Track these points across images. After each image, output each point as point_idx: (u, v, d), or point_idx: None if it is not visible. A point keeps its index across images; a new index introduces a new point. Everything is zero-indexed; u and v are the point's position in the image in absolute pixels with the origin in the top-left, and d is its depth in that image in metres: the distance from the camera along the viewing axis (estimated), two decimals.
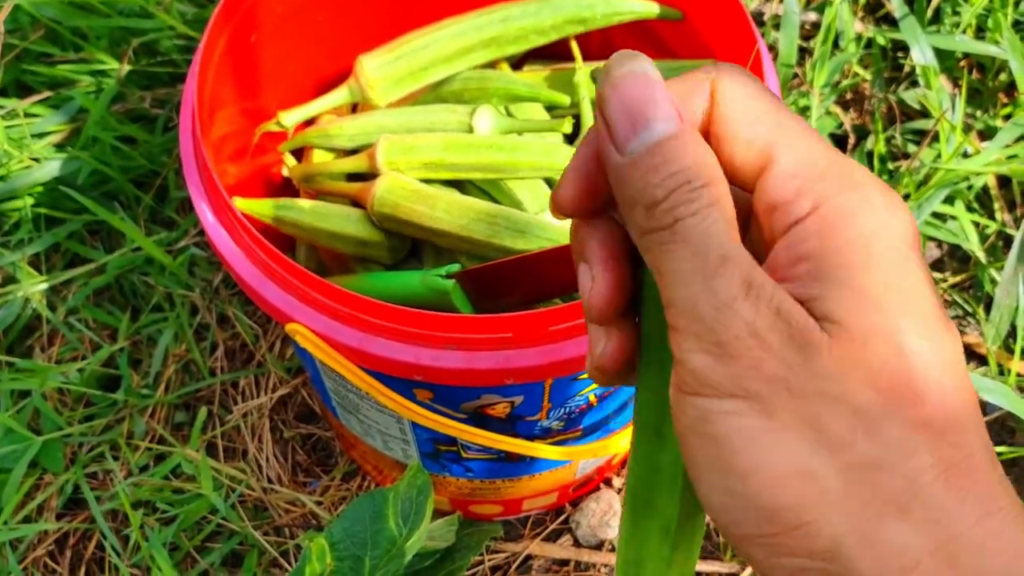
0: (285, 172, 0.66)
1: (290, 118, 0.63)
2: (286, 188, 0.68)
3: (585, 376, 0.54)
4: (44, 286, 0.81)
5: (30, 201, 0.82)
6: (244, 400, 0.79)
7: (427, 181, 0.60)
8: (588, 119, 0.63)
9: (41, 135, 0.83)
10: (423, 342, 0.47)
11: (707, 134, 0.28)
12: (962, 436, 0.25)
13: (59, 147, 0.83)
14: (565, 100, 0.61)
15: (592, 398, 0.58)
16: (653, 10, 0.64)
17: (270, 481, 0.75)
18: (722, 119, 0.28)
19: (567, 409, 0.58)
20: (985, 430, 0.26)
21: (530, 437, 0.60)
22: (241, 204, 0.55)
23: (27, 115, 0.84)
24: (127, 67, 0.83)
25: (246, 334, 0.81)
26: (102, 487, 0.75)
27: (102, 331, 0.82)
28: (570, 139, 0.65)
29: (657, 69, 0.28)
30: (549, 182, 0.61)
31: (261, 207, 0.56)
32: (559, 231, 0.55)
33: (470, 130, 0.61)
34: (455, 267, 0.54)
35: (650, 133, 0.26)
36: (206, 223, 0.51)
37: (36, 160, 0.82)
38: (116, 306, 0.83)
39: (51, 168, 0.81)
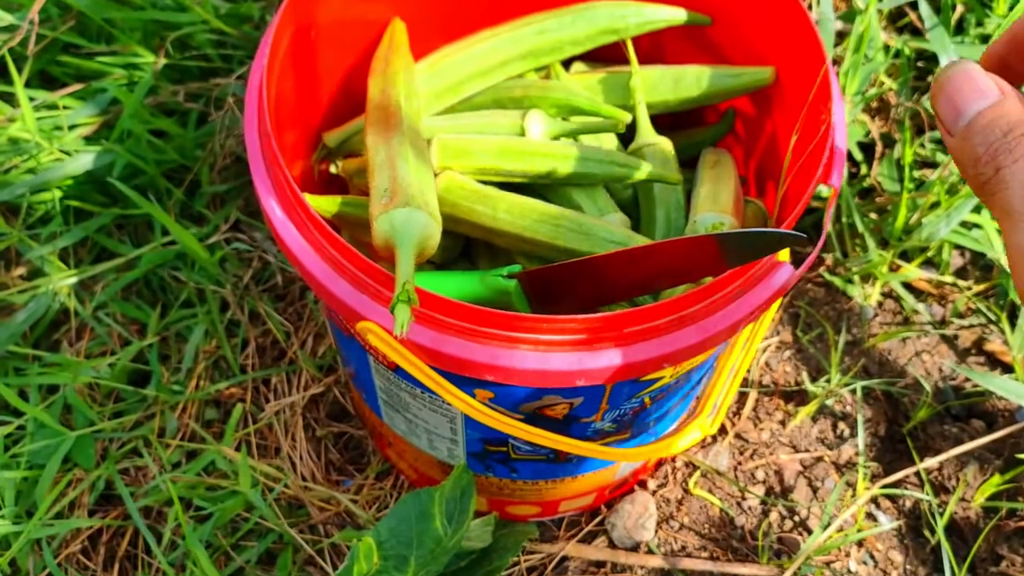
0: (334, 169, 0.66)
1: (334, 139, 0.64)
2: (330, 186, 0.68)
3: (646, 378, 0.54)
4: (73, 280, 0.81)
5: (59, 194, 0.82)
6: (276, 398, 0.79)
7: (482, 183, 0.60)
8: (644, 122, 0.63)
9: (71, 127, 0.82)
10: (497, 341, 0.47)
11: None
12: None
13: (89, 140, 0.83)
14: (626, 117, 0.61)
15: (647, 400, 0.58)
16: (681, 17, 0.65)
17: (304, 479, 0.75)
18: None
19: (622, 411, 0.58)
20: None
21: (582, 438, 0.60)
22: (312, 201, 0.55)
23: (56, 107, 0.83)
24: (162, 60, 0.82)
25: (277, 331, 0.80)
26: (134, 483, 0.74)
27: (131, 326, 0.81)
28: (624, 140, 0.65)
29: (975, 65, 0.35)
30: (607, 185, 0.61)
31: (329, 204, 0.56)
32: (624, 235, 0.56)
33: (522, 133, 0.62)
34: (517, 268, 0.54)
35: (967, 113, 0.34)
36: (274, 218, 0.50)
37: (66, 153, 0.81)
38: (145, 301, 0.82)
39: (83, 161, 0.80)
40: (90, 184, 0.82)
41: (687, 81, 0.63)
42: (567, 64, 0.69)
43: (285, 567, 0.71)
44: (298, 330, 0.81)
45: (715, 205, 0.57)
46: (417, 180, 0.52)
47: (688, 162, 0.66)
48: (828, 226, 0.52)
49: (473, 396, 0.54)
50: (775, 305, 0.53)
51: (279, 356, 0.81)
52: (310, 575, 0.71)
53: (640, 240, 0.55)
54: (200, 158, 0.84)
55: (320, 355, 0.80)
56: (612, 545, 0.74)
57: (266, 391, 0.79)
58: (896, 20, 1.00)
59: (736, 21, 0.62)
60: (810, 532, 0.74)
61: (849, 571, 0.73)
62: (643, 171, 0.59)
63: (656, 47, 0.68)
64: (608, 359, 0.48)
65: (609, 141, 0.64)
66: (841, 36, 0.96)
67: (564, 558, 0.73)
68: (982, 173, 0.34)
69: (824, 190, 0.52)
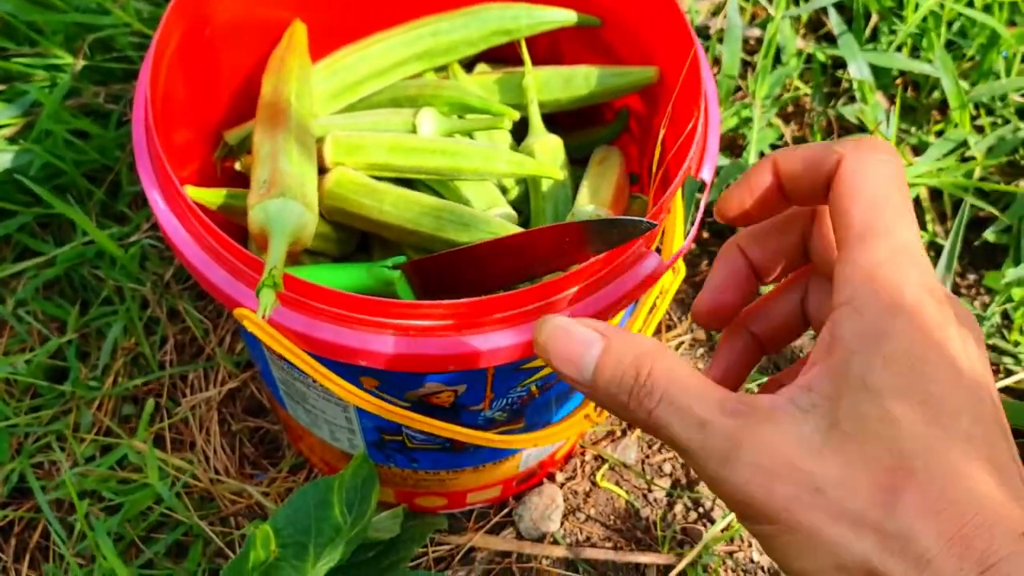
0: (238, 166, 0.67)
1: (234, 136, 0.65)
2: (236, 182, 0.69)
3: (527, 366, 0.55)
4: None
5: None
6: (193, 393, 0.80)
7: (376, 178, 0.62)
8: (535, 120, 0.65)
9: None
10: (368, 327, 0.49)
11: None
12: None
13: (11, 140, 0.84)
14: (515, 115, 0.63)
15: (534, 388, 0.59)
16: (572, 18, 0.67)
17: (217, 472, 0.76)
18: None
19: (509, 399, 0.60)
20: None
21: (474, 427, 0.61)
22: (192, 192, 0.56)
23: None
24: (82, 62, 0.83)
25: (196, 328, 0.81)
26: (47, 477, 0.75)
27: (51, 324, 0.82)
28: (517, 138, 0.67)
29: (565, 318, 0.38)
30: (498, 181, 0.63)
31: (213, 196, 0.57)
32: (502, 225, 0.57)
33: (414, 130, 0.63)
34: (401, 259, 0.56)
35: (587, 368, 0.36)
36: (157, 210, 0.52)
37: None
38: (65, 299, 0.83)
39: (2, 160, 0.81)
40: (11, 183, 0.83)
41: (577, 81, 0.65)
42: (471, 65, 0.71)
43: (196, 559, 0.72)
44: (216, 327, 0.82)
45: (595, 198, 0.59)
46: (298, 173, 0.53)
47: (584, 159, 0.68)
48: (698, 217, 0.54)
49: (360, 384, 0.55)
50: (668, 296, 0.54)
51: (197, 353, 0.82)
52: (221, 567, 0.72)
53: (517, 231, 0.57)
54: (120, 158, 0.85)
55: (238, 352, 0.81)
56: (519, 536, 0.76)
57: (183, 387, 0.80)
58: (817, 29, 1.03)
59: (623, 22, 0.65)
60: (713, 523, 0.76)
61: (752, 560, 0.75)
62: (528, 167, 0.61)
63: (553, 49, 0.70)
64: (477, 344, 0.49)
65: (502, 139, 0.66)
66: (761, 43, 0.98)
67: (472, 549, 0.75)
68: (641, 418, 0.35)
69: (694, 182, 0.54)
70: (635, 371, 0.35)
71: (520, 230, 0.57)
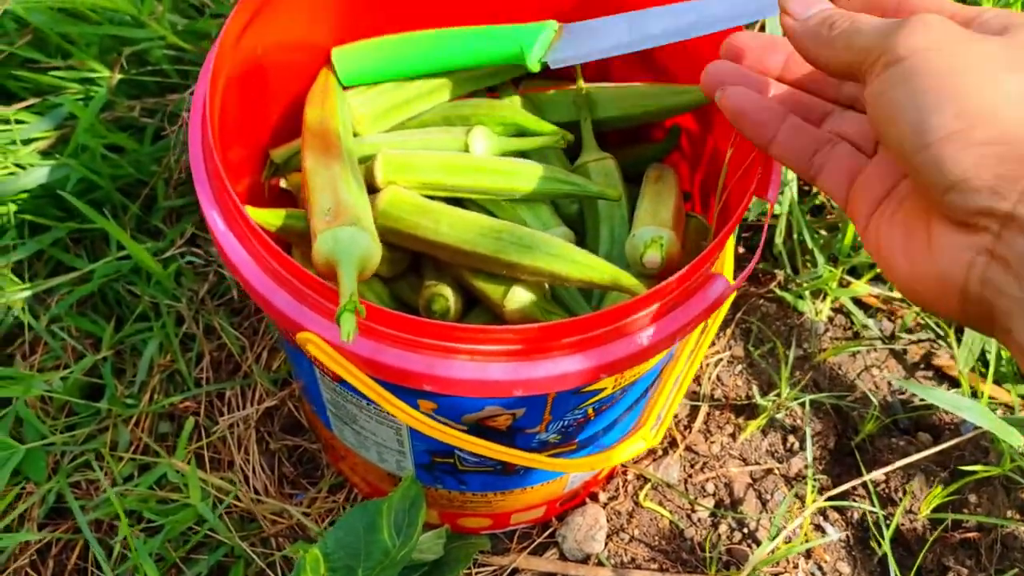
0: (284, 184, 0.66)
1: (280, 155, 0.65)
2: (282, 200, 0.68)
3: (588, 389, 0.55)
4: (27, 293, 0.81)
5: (14, 208, 0.82)
6: (230, 411, 0.79)
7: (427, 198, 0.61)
8: (588, 138, 0.64)
9: (27, 141, 0.83)
10: (435, 352, 0.48)
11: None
12: None
13: (44, 154, 0.83)
14: (568, 135, 0.62)
15: (590, 411, 0.59)
16: None
17: (256, 492, 0.75)
18: None
19: (565, 422, 0.59)
20: None
21: (527, 450, 0.60)
22: (254, 213, 0.55)
23: (10, 121, 0.83)
24: (118, 76, 0.82)
25: (232, 345, 0.81)
26: (85, 496, 0.74)
27: (85, 340, 0.81)
28: (570, 156, 0.66)
29: None
30: (553, 201, 0.62)
31: (272, 217, 0.56)
32: (563, 247, 0.56)
33: (465, 149, 0.63)
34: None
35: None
36: (216, 231, 0.51)
37: (21, 167, 0.81)
38: (100, 315, 0.82)
39: (37, 175, 0.80)
40: (45, 198, 0.82)
41: (631, 99, 0.64)
42: (518, 82, 0.70)
43: None
44: (253, 344, 0.81)
45: (655, 219, 0.58)
46: (361, 204, 0.53)
47: (635, 177, 0.67)
48: (762, 239, 0.53)
49: (417, 407, 0.54)
50: (719, 318, 0.54)
51: (234, 370, 0.81)
52: None
53: (581, 253, 0.56)
54: (156, 173, 0.84)
55: (275, 369, 0.81)
56: (563, 557, 0.75)
57: (220, 404, 0.79)
58: None
59: (681, 41, 0.64)
60: (759, 544, 0.75)
61: None
62: (584, 187, 0.60)
63: (605, 66, 0.69)
64: (545, 369, 0.48)
65: (556, 157, 0.65)
66: None
67: (515, 570, 0.74)
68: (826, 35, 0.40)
69: (761, 204, 0.53)
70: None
71: (584, 253, 0.56)
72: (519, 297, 0.57)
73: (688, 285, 0.50)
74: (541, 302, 0.57)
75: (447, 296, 0.60)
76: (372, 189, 0.61)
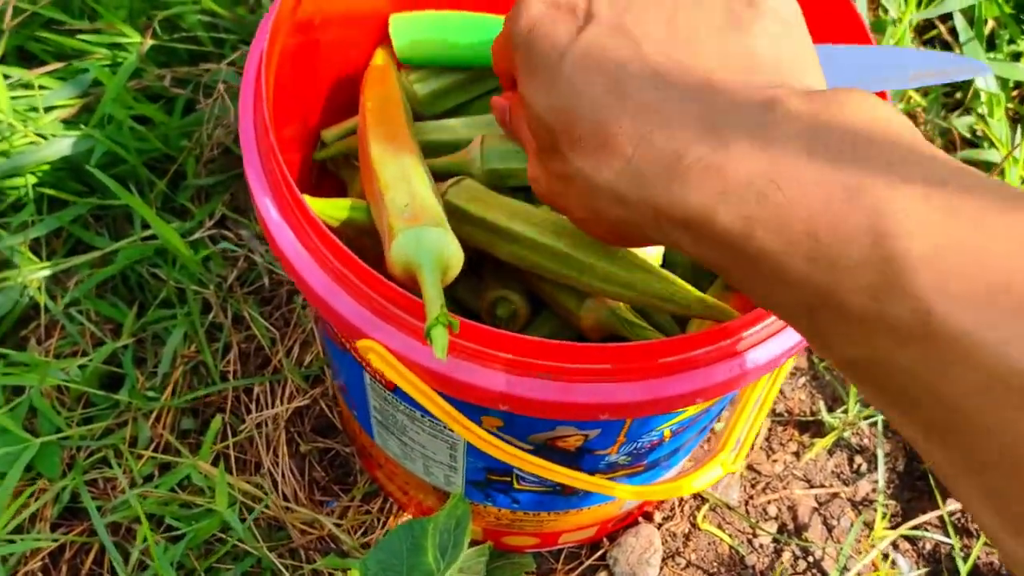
0: (331, 166, 0.61)
1: (332, 135, 0.59)
2: (321, 182, 0.63)
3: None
4: (44, 273, 0.75)
5: (33, 180, 0.76)
6: (258, 409, 0.73)
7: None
8: None
9: (48, 109, 0.77)
10: (513, 368, 0.42)
11: None
12: None
13: (68, 123, 0.77)
14: None
15: (667, 433, 0.53)
16: None
17: (286, 499, 0.69)
18: None
19: (639, 444, 0.53)
20: None
21: (593, 471, 0.55)
22: (315, 204, 0.49)
23: (32, 86, 0.77)
24: (150, 41, 0.76)
25: (262, 337, 0.75)
26: (102, 496, 0.69)
27: (105, 326, 0.76)
28: None
29: None
30: None
31: (334, 209, 0.50)
32: (648, 262, 0.51)
33: None
34: None
35: None
36: (269, 221, 0.45)
37: (42, 136, 0.75)
38: (121, 299, 0.77)
39: (60, 146, 0.74)
40: (66, 171, 0.76)
41: None
42: None
43: None
44: (284, 337, 0.76)
45: None
46: (437, 203, 0.47)
47: None
48: None
49: (480, 424, 0.49)
50: None
51: (263, 364, 0.75)
52: None
53: (665, 272, 0.50)
54: (186, 148, 0.78)
55: (307, 364, 0.75)
56: None
57: (247, 401, 0.74)
58: (923, 32, 0.96)
59: None
60: (825, 575, 0.69)
61: None
62: None
63: None
64: (637, 392, 0.43)
65: None
66: None
67: None
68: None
69: None
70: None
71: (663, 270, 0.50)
72: (598, 306, 0.52)
73: None
74: (624, 312, 0.52)
75: (514, 300, 0.55)
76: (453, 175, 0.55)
